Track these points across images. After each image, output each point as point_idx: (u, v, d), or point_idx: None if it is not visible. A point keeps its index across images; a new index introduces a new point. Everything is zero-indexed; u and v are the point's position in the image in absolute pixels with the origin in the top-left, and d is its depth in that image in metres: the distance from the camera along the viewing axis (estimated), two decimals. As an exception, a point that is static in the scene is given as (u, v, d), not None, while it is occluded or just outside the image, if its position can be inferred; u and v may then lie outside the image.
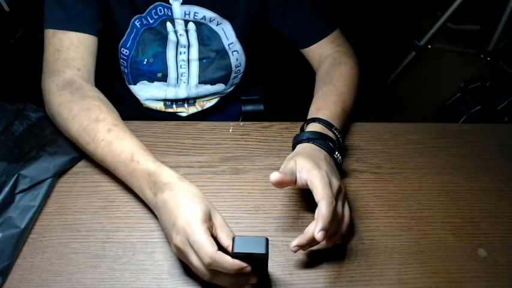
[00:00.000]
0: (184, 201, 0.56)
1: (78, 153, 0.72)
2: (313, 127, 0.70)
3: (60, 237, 0.63)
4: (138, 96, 0.91)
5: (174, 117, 0.94)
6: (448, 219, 0.68)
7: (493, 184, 0.73)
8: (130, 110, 0.94)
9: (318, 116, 0.71)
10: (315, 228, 0.55)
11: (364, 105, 0.98)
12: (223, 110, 1.01)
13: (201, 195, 0.58)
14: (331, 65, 0.84)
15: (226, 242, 0.55)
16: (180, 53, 0.86)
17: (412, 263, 0.63)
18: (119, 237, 0.64)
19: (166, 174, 0.60)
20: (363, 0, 2.04)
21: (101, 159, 0.67)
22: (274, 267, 0.61)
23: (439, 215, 0.69)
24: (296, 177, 0.61)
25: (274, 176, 0.58)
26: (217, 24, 0.83)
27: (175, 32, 0.83)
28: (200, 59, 0.87)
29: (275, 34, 0.89)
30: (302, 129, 0.73)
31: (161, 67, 0.87)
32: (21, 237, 0.61)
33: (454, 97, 1.55)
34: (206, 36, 0.85)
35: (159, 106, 0.93)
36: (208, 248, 0.52)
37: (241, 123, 0.81)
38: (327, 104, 0.74)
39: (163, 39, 0.83)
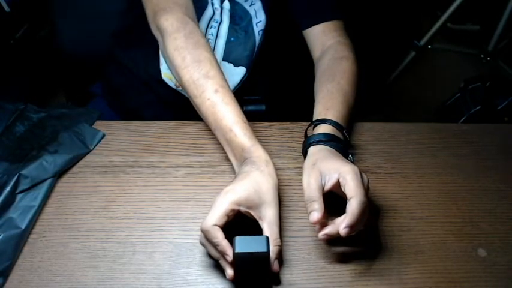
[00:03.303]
0: (244, 180, 0.60)
1: (78, 152, 0.72)
2: (325, 128, 0.70)
3: (60, 237, 0.63)
4: (160, 66, 0.90)
5: (183, 100, 0.91)
6: (448, 219, 0.68)
7: (493, 184, 0.73)
8: (145, 93, 0.94)
9: (327, 117, 0.71)
10: (341, 223, 0.56)
11: (364, 105, 0.98)
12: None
13: (264, 186, 0.60)
14: (333, 58, 0.83)
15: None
16: (211, 27, 0.86)
17: (412, 263, 0.63)
18: (119, 237, 0.64)
19: (256, 154, 0.64)
20: (363, 0, 2.03)
21: (204, 116, 0.70)
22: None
23: (439, 215, 0.69)
24: (324, 186, 0.61)
25: (315, 218, 0.58)
26: (251, 5, 0.85)
27: (212, 4, 0.84)
28: (228, 37, 0.88)
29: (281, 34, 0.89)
30: (306, 131, 0.73)
31: None
32: (21, 238, 0.61)
33: (454, 97, 1.55)
34: (238, 16, 0.86)
35: (175, 81, 0.90)
36: (208, 219, 0.56)
37: (241, 123, 0.80)
38: (334, 104, 0.74)
39: (201, 7, 0.84)
